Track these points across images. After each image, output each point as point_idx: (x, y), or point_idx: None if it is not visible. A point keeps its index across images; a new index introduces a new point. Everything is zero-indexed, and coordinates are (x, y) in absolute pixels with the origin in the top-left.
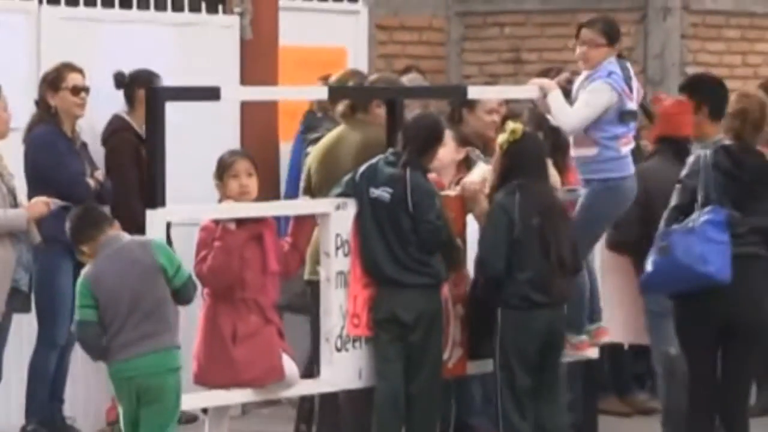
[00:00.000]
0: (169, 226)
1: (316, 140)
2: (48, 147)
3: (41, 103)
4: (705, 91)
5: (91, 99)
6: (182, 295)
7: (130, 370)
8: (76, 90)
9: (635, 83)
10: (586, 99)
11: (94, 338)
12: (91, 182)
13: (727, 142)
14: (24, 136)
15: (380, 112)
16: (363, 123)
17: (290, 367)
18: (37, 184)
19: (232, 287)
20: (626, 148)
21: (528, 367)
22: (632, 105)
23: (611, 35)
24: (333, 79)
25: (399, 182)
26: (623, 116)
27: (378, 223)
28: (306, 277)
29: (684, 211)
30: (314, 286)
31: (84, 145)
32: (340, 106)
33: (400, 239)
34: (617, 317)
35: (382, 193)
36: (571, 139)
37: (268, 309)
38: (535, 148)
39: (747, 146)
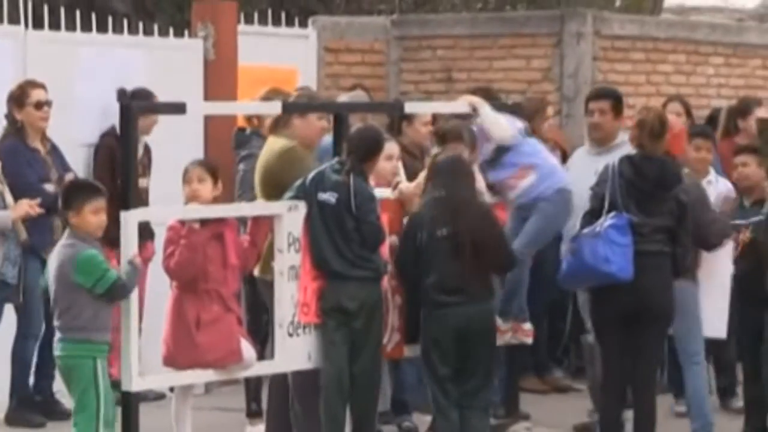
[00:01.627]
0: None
1: (246, 157)
2: (11, 158)
3: (9, 117)
4: None
5: (72, 112)
6: (109, 299)
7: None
8: (39, 104)
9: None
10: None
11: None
12: (51, 187)
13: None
14: None
15: (299, 124)
16: (284, 135)
17: (248, 350)
18: (12, 191)
19: (196, 280)
20: None
21: (446, 358)
22: None
23: None
24: (260, 95)
25: (343, 187)
26: None
27: (325, 224)
28: (256, 274)
29: (596, 216)
30: (265, 282)
31: (55, 152)
32: (267, 122)
33: (345, 237)
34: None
35: (329, 197)
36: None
37: (229, 299)
38: (454, 163)
39: (648, 155)
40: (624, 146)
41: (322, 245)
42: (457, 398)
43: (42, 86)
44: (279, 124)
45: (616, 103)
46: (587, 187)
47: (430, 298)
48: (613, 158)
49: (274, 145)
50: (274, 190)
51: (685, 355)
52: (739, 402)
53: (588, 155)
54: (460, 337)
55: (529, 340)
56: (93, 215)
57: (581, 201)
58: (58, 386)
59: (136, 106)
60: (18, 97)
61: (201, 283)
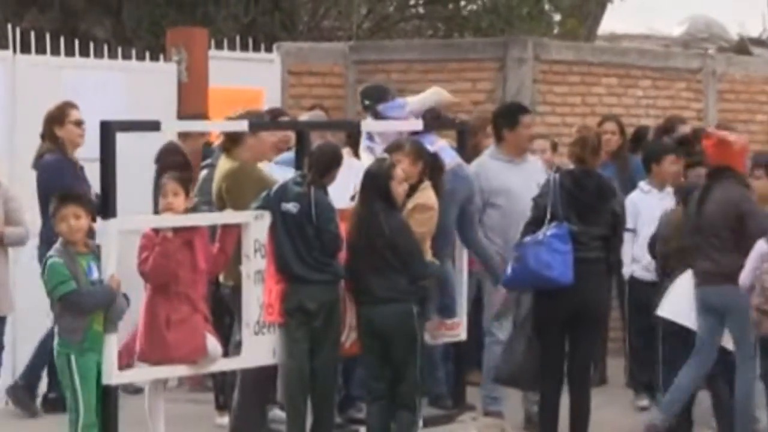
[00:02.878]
0: None
1: (206, 166)
2: (58, 172)
3: (48, 135)
4: None
5: None
6: (65, 308)
7: None
8: (78, 123)
9: None
10: None
11: None
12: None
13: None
14: (34, 163)
15: (252, 142)
16: (235, 153)
17: (214, 346)
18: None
19: (168, 283)
20: None
21: (374, 355)
22: None
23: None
24: (235, 114)
25: (305, 198)
26: None
27: (288, 231)
28: (221, 280)
29: (538, 225)
30: (227, 288)
31: (82, 168)
32: (221, 140)
33: (306, 244)
34: None
35: (292, 207)
36: None
37: (197, 300)
38: (379, 178)
39: (587, 169)
40: (531, 159)
41: (285, 251)
42: (382, 392)
43: (77, 106)
44: (231, 143)
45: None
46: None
47: (354, 295)
48: (528, 169)
49: (223, 166)
50: (227, 204)
51: (741, 354)
52: None
53: (496, 161)
54: (383, 337)
55: (458, 335)
56: (61, 223)
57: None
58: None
59: (115, 124)
60: (58, 117)
61: (172, 286)
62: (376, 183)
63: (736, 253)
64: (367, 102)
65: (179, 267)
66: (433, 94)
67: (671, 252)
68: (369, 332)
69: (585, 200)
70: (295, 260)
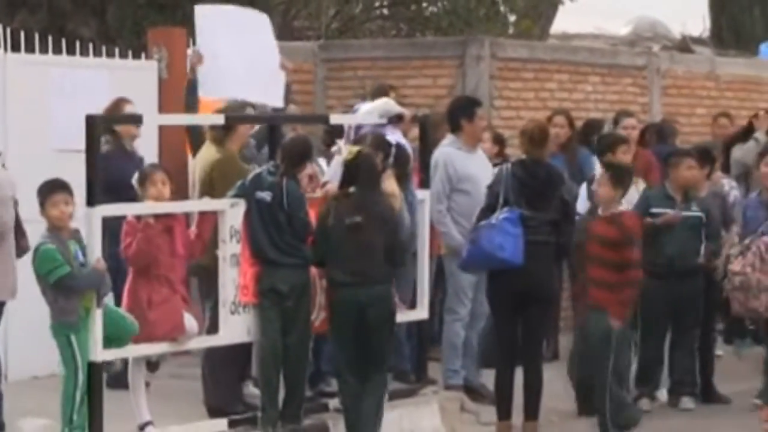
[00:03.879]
0: None
1: None
2: (115, 162)
3: (107, 129)
4: None
5: (46, 123)
6: (59, 291)
7: None
8: None
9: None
10: None
11: None
12: None
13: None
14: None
15: (241, 133)
16: (227, 144)
17: (191, 325)
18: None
19: (149, 266)
20: None
21: (346, 337)
22: None
23: None
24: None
25: (277, 188)
26: None
27: (262, 218)
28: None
29: (492, 210)
30: (204, 269)
31: (141, 159)
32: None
33: (278, 230)
34: None
35: (265, 195)
36: None
37: (176, 282)
38: (367, 165)
39: (537, 159)
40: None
41: (259, 236)
42: (356, 372)
43: (130, 101)
44: (222, 134)
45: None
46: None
47: (330, 277)
48: (481, 156)
49: (212, 155)
50: (215, 191)
51: None
52: None
53: (457, 150)
54: (358, 317)
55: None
56: (53, 208)
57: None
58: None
59: (99, 117)
60: (114, 113)
61: (153, 269)
62: (375, 171)
63: None
64: None
65: (160, 252)
66: (385, 104)
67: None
68: (350, 315)
69: (535, 187)
70: (268, 245)
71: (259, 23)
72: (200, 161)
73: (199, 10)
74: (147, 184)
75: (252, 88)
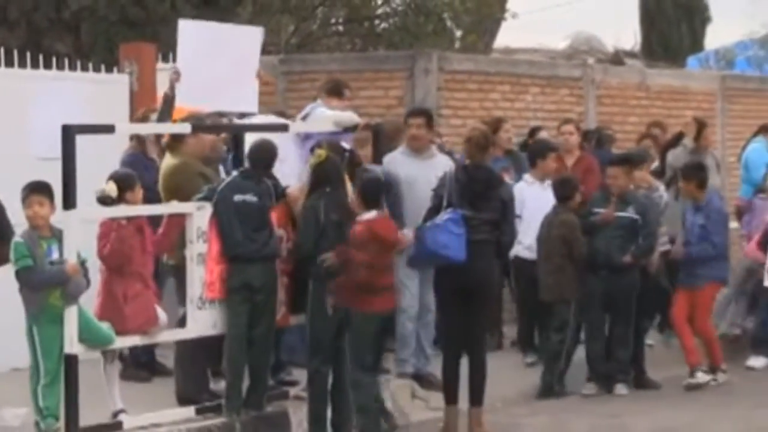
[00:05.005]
0: None
1: None
2: (133, 166)
3: (134, 136)
4: None
5: (25, 133)
6: (18, 281)
7: None
8: None
9: None
10: None
11: None
12: None
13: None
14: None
15: (191, 141)
16: (180, 150)
17: (163, 318)
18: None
19: (123, 264)
20: None
21: (326, 327)
22: None
23: None
24: (139, 114)
25: (264, 189)
26: None
27: (240, 218)
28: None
29: (437, 211)
30: (174, 267)
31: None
32: (165, 138)
33: (257, 228)
34: None
35: (250, 197)
36: None
37: (148, 278)
38: (334, 167)
39: (478, 164)
40: (437, 155)
41: (235, 235)
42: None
43: (156, 110)
44: (174, 142)
45: (428, 119)
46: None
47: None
48: (431, 164)
49: (169, 162)
50: (172, 195)
51: None
52: None
53: (405, 156)
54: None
55: None
56: (27, 208)
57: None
58: (160, 350)
59: (74, 127)
60: (142, 120)
61: (126, 267)
62: (333, 172)
63: None
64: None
65: (133, 250)
66: (342, 116)
67: None
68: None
69: (476, 190)
70: (244, 243)
71: (246, 36)
72: (161, 169)
73: (182, 25)
74: (127, 193)
75: (226, 98)
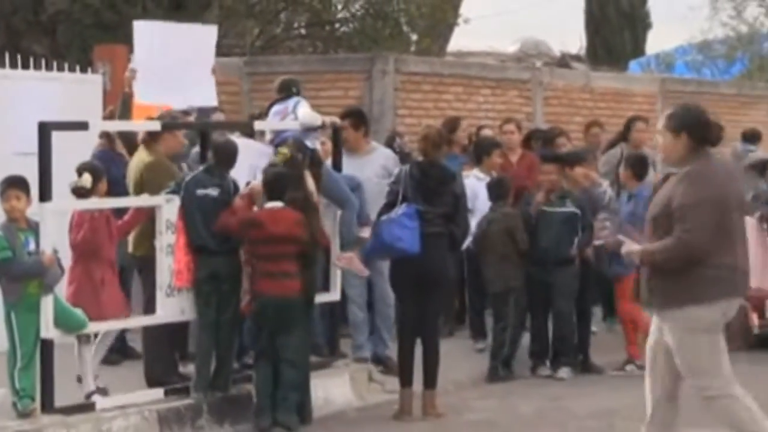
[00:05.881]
0: None
1: None
2: (104, 161)
3: (103, 133)
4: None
5: (4, 130)
6: None
7: None
8: None
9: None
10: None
11: None
12: None
13: (420, 158)
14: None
15: (169, 139)
16: (155, 147)
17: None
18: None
19: (96, 251)
20: None
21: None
22: None
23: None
24: (107, 111)
25: (225, 184)
26: None
27: (203, 212)
28: (132, 251)
29: (392, 207)
30: (140, 258)
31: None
32: (141, 135)
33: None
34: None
35: (211, 191)
36: None
37: (114, 265)
38: (296, 165)
39: (431, 160)
40: (374, 152)
41: (199, 228)
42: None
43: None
44: (150, 139)
45: (354, 120)
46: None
47: None
48: (368, 161)
49: (144, 158)
50: (145, 189)
51: None
52: None
53: (345, 158)
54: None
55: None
56: (4, 202)
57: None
58: (131, 335)
59: (50, 124)
60: (110, 118)
61: (98, 254)
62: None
63: None
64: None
65: (103, 239)
66: (310, 118)
67: None
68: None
69: (429, 185)
70: (208, 236)
71: (200, 34)
72: (133, 163)
73: (138, 25)
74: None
75: (184, 93)
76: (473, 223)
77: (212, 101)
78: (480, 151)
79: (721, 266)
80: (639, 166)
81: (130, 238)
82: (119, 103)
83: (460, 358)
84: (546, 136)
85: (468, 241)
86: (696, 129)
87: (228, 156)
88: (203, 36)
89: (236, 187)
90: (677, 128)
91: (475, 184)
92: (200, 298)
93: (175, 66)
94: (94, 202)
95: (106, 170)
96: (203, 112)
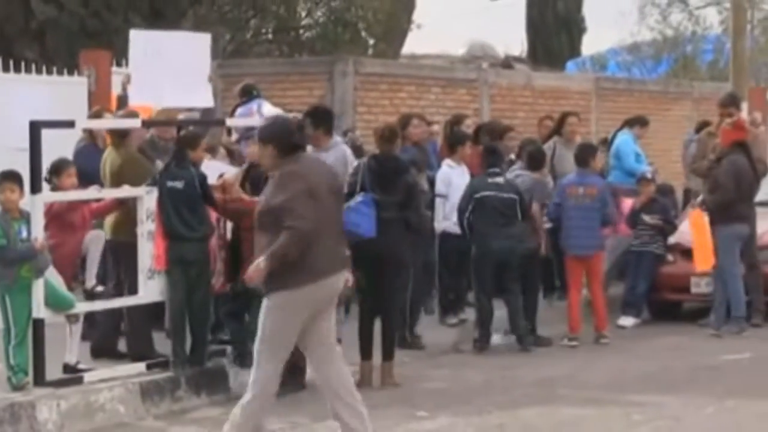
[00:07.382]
0: None
1: None
2: (87, 157)
3: (86, 131)
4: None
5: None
6: None
7: None
8: None
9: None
10: None
11: None
12: None
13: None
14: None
15: (135, 136)
16: (127, 144)
17: None
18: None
19: (76, 230)
20: None
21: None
22: None
23: None
24: (93, 111)
25: (189, 176)
26: None
27: (173, 202)
28: (111, 237)
29: (351, 196)
30: (119, 244)
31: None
32: (108, 137)
33: (189, 210)
34: None
35: (178, 183)
36: None
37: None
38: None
39: (386, 153)
40: (332, 148)
41: (172, 217)
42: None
43: (110, 110)
44: (119, 138)
45: (315, 118)
46: None
47: None
48: (329, 155)
49: (115, 156)
50: (124, 180)
51: None
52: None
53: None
54: None
55: None
56: (1, 194)
57: None
58: None
59: (40, 122)
60: (96, 117)
61: (72, 226)
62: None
63: None
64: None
65: (77, 212)
66: (272, 113)
67: None
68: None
69: (385, 176)
70: (178, 223)
71: (195, 42)
72: (108, 160)
73: (133, 34)
74: (64, 176)
75: (179, 95)
76: (447, 208)
77: (209, 103)
78: (454, 141)
79: None
80: (536, 158)
81: (107, 225)
82: (117, 104)
83: (431, 329)
84: (494, 130)
85: (447, 224)
86: (281, 139)
87: (185, 144)
88: (197, 44)
89: (202, 179)
90: (265, 140)
91: (448, 172)
92: (170, 280)
93: (170, 71)
94: (80, 193)
95: (88, 163)
96: (207, 112)
